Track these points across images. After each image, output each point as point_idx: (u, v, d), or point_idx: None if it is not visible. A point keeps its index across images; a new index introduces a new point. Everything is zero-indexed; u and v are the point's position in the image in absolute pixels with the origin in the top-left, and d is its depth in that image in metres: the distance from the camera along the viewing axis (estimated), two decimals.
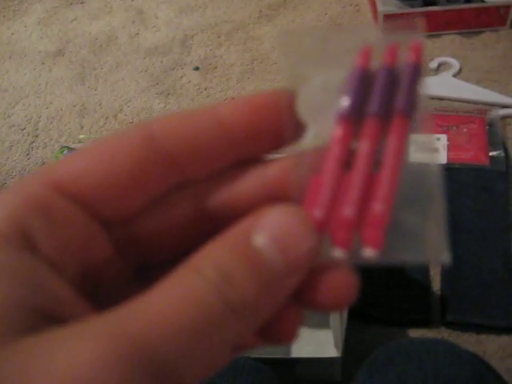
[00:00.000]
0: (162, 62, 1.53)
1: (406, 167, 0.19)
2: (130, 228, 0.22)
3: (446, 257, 0.18)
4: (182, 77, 1.48)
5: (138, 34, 1.63)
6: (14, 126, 1.44)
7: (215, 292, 0.17)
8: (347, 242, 0.19)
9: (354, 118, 0.19)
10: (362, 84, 0.19)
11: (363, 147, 0.19)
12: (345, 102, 0.19)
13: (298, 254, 0.18)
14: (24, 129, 1.42)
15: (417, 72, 0.19)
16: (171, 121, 0.21)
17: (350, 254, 0.19)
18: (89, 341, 0.15)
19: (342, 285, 0.19)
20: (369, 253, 0.18)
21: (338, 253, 0.19)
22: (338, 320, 0.82)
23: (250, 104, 0.21)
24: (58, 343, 0.16)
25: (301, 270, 0.18)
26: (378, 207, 0.18)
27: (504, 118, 1.22)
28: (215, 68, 1.48)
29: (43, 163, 1.32)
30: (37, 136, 1.40)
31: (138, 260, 0.23)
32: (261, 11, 1.61)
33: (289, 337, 0.20)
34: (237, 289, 0.17)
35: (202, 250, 0.18)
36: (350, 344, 0.96)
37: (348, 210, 0.19)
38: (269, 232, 0.18)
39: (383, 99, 0.19)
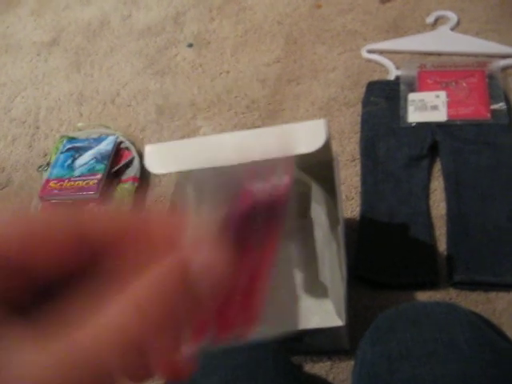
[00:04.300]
0: (155, 41, 1.51)
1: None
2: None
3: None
4: (176, 55, 1.46)
5: (130, 15, 1.61)
6: (15, 119, 1.44)
7: None
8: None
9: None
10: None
11: None
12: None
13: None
14: (25, 121, 1.43)
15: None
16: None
17: None
18: None
19: None
20: None
21: None
22: (338, 290, 0.81)
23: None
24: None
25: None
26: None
27: (505, 68, 1.18)
28: (209, 43, 1.46)
29: (45, 154, 1.33)
30: (38, 128, 1.41)
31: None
32: None
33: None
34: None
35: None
36: (358, 311, 0.96)
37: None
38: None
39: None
